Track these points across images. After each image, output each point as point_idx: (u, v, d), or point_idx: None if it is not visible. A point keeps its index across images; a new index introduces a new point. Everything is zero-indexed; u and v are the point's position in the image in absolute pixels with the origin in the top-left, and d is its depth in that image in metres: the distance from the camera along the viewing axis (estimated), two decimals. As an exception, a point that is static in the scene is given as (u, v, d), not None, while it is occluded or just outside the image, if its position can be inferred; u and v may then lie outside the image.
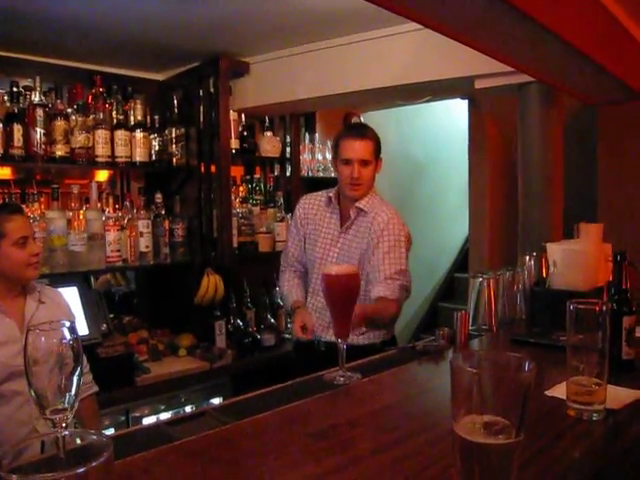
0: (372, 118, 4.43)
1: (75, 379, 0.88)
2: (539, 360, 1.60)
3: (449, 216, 5.80)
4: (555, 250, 2.06)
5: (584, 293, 1.91)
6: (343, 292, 1.44)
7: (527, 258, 2.23)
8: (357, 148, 2.29)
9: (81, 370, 0.88)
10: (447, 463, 0.93)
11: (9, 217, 1.98)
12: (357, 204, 2.35)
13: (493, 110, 4.28)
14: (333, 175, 4.17)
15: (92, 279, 3.50)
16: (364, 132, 2.37)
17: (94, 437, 0.60)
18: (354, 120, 4.48)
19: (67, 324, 0.92)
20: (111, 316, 3.53)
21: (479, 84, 2.64)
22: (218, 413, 1.25)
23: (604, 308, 1.20)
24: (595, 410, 1.17)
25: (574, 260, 1.99)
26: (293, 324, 2.36)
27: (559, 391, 1.28)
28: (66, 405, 0.86)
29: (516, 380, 0.83)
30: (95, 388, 2.27)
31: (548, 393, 1.30)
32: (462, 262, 5.78)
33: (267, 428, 1.16)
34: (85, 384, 2.19)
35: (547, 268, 2.21)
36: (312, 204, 2.53)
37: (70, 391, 0.87)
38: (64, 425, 0.85)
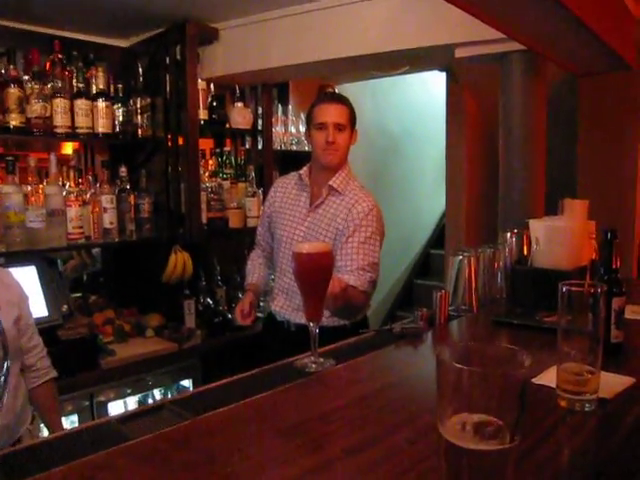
0: (347, 91, 4.28)
1: (2, 377, 0.75)
2: (523, 343, 1.51)
3: (425, 191, 5.74)
4: (538, 227, 1.96)
5: (568, 272, 1.83)
6: (315, 272, 1.31)
7: (508, 235, 2.14)
8: (332, 111, 2.21)
9: (7, 368, 0.76)
10: (429, 465, 0.83)
11: None
12: (330, 182, 2.25)
13: (472, 83, 4.17)
14: (307, 149, 4.04)
15: (59, 262, 3.34)
16: (339, 97, 2.32)
17: None
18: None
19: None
20: (78, 295, 3.40)
21: (459, 53, 2.52)
22: (177, 407, 1.13)
23: (598, 290, 1.10)
24: (587, 400, 1.08)
25: (557, 237, 1.90)
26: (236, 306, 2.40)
27: (547, 378, 1.19)
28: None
29: (511, 376, 0.72)
30: (53, 373, 2.14)
31: (535, 381, 1.21)
32: (438, 238, 5.74)
33: (231, 424, 1.05)
34: (42, 369, 2.08)
35: (529, 245, 2.13)
36: (283, 184, 2.46)
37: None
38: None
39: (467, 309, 1.90)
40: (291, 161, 3.78)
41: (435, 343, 1.60)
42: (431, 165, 5.62)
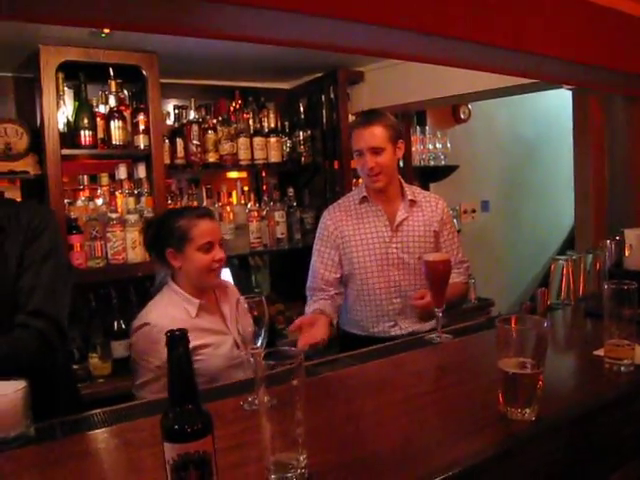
0: (481, 103, 4.70)
1: (262, 332, 1.45)
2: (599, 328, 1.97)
3: (560, 194, 5.88)
4: (631, 235, 2.38)
5: (652, 274, 2.24)
6: (440, 273, 1.91)
7: (607, 242, 2.57)
8: (365, 137, 2.19)
9: (267, 326, 1.45)
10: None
11: (197, 221, 1.99)
12: (409, 197, 2.35)
13: (598, 94, 4.40)
14: (443, 163, 4.58)
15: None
16: (371, 119, 2.23)
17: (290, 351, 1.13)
18: (462, 110, 4.82)
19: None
20: (256, 291, 4.24)
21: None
22: (349, 359, 1.80)
23: (632, 287, 1.58)
24: (624, 364, 1.56)
25: (645, 244, 2.31)
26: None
27: (602, 351, 1.68)
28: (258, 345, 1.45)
29: (538, 334, 1.28)
30: None
31: (595, 352, 1.70)
32: (574, 240, 5.90)
33: (381, 369, 1.68)
34: None
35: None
36: (341, 211, 2.42)
37: (260, 337, 1.45)
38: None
39: (568, 303, 2.37)
40: (428, 175, 4.38)
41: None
42: (567, 167, 5.75)
